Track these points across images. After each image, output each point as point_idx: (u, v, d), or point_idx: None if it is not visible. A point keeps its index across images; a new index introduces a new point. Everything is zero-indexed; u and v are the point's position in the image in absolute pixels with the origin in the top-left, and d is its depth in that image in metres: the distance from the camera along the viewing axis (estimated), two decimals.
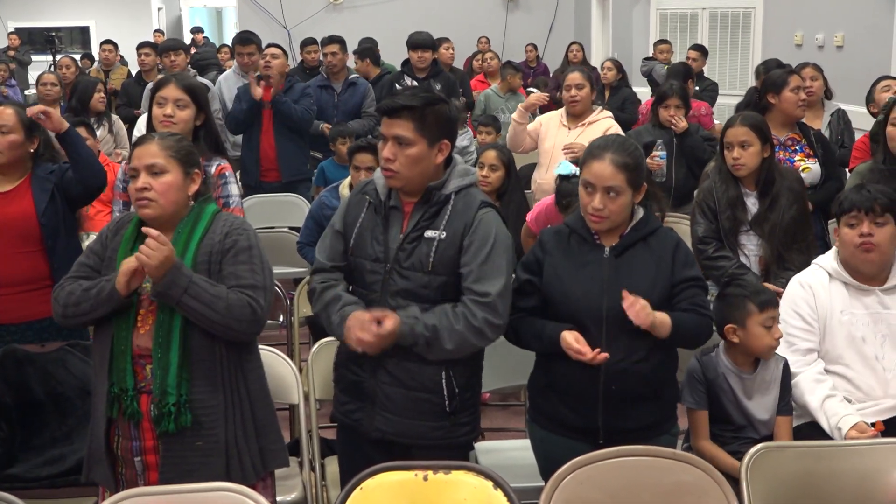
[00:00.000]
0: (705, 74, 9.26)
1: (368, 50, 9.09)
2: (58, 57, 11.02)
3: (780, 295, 3.83)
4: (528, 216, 4.80)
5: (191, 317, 2.73)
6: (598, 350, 2.88)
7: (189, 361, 2.75)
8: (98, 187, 3.96)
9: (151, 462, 2.81)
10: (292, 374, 3.46)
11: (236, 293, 2.77)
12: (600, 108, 5.79)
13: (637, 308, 2.83)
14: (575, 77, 5.66)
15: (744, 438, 3.24)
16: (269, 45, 6.78)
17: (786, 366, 3.30)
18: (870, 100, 5.56)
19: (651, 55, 10.51)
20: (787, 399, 3.28)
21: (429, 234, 2.92)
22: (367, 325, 2.84)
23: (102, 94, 7.00)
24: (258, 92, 6.26)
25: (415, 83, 7.36)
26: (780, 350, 3.38)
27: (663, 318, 2.89)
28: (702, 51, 9.54)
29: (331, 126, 6.93)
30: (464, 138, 6.99)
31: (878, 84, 5.57)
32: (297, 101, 6.45)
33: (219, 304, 2.74)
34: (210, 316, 2.73)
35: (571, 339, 2.91)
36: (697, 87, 8.17)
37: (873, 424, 3.20)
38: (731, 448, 3.21)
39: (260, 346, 3.06)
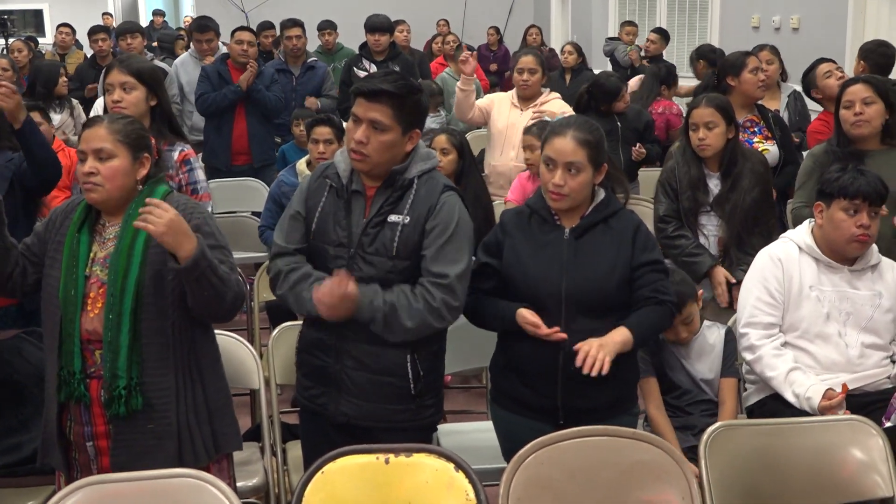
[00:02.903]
0: (664, 57, 9.30)
1: None
2: (10, 40, 10.85)
3: (733, 284, 3.92)
4: (511, 196, 4.94)
5: (203, 293, 2.68)
6: (556, 328, 2.89)
7: (140, 344, 2.73)
8: (54, 178, 3.91)
9: (103, 447, 2.80)
10: (252, 360, 3.45)
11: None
12: (549, 89, 5.80)
13: (589, 362, 2.82)
14: (528, 61, 5.65)
15: (698, 402, 3.30)
16: (241, 29, 6.76)
17: (728, 331, 3.41)
18: (812, 84, 5.57)
19: (615, 36, 10.55)
20: (731, 362, 3.41)
21: (392, 218, 2.90)
22: (333, 290, 2.82)
23: (66, 78, 6.93)
24: (246, 81, 6.34)
25: (373, 66, 7.34)
26: (740, 322, 3.45)
27: (624, 340, 2.89)
28: (662, 34, 9.57)
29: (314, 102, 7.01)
30: (435, 121, 7.01)
31: (817, 69, 5.54)
32: (268, 87, 6.52)
33: (229, 282, 2.72)
34: (222, 293, 2.70)
35: (528, 314, 2.93)
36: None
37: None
38: (690, 420, 3.26)
39: (220, 332, 3.04)
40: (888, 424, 3.13)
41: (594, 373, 2.81)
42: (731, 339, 3.44)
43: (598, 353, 2.83)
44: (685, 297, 3.36)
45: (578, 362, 2.83)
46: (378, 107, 2.85)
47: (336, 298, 2.80)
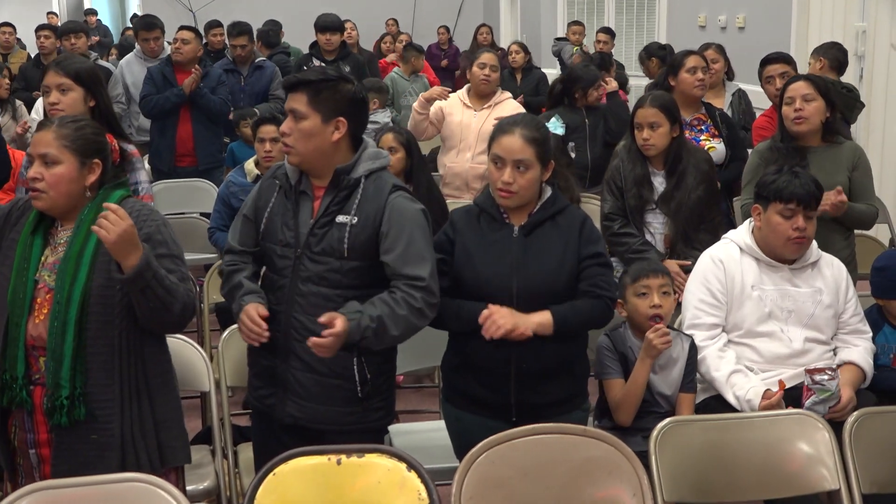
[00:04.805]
0: (613, 56, 9.36)
1: (263, 33, 9.05)
2: None
3: (684, 268, 3.94)
4: None
5: (149, 304, 2.65)
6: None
7: (84, 353, 2.68)
8: (1, 179, 3.86)
9: (45, 455, 2.76)
10: (203, 362, 3.42)
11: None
12: (500, 89, 5.79)
13: (490, 327, 2.89)
14: (491, 58, 5.68)
15: (651, 413, 3.30)
16: (182, 28, 6.69)
17: (692, 345, 3.37)
18: (768, 80, 5.62)
19: (563, 36, 10.61)
20: (691, 377, 3.36)
21: (340, 219, 2.90)
22: (255, 320, 2.87)
23: (7, 80, 6.81)
24: (189, 86, 6.25)
25: (323, 65, 7.31)
26: (684, 324, 3.46)
27: (540, 321, 2.93)
28: (610, 33, 9.67)
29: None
30: (379, 117, 7.00)
31: (764, 69, 5.58)
32: (214, 89, 6.45)
33: (177, 293, 2.69)
34: (168, 304, 2.68)
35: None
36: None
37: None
38: (639, 424, 3.27)
39: (169, 335, 3.00)
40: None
41: (486, 335, 2.88)
42: (693, 354, 3.37)
43: (503, 321, 2.87)
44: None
45: (482, 320, 2.89)
46: (295, 96, 2.91)
47: (327, 343, 2.79)
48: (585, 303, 3.01)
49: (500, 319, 2.89)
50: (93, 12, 16.80)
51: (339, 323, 2.77)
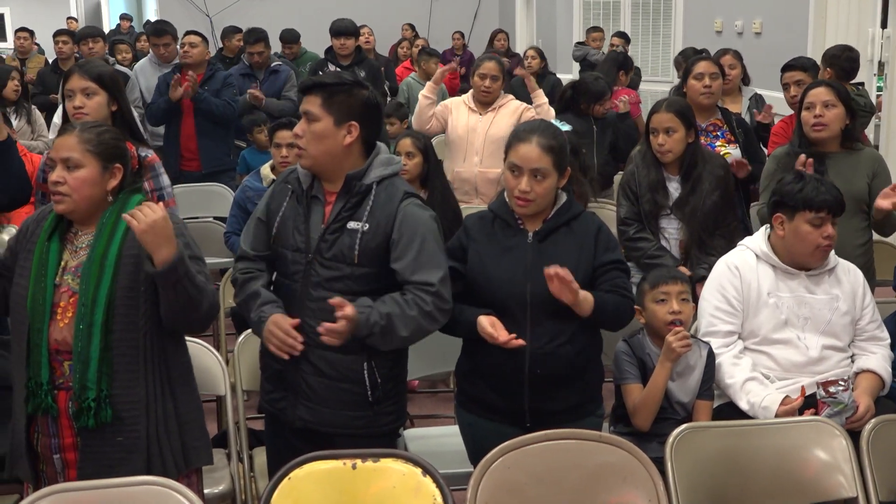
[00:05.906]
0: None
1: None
2: None
3: (695, 278, 3.92)
4: None
5: (179, 300, 2.67)
6: (513, 335, 2.90)
7: (110, 355, 2.69)
8: (23, 200, 3.85)
9: (70, 460, 2.76)
10: (218, 366, 3.43)
11: None
12: (503, 93, 5.75)
13: (556, 286, 2.86)
14: (491, 67, 5.62)
15: (668, 419, 3.29)
16: (188, 33, 6.70)
17: (710, 352, 3.35)
18: (785, 86, 5.61)
19: (582, 41, 10.60)
20: (709, 384, 3.34)
21: (351, 225, 2.90)
22: (289, 332, 2.88)
23: (17, 83, 6.83)
24: (177, 94, 6.23)
25: (339, 70, 7.32)
26: (700, 331, 3.45)
27: (586, 295, 2.92)
28: (625, 38, 9.66)
29: (258, 92, 6.95)
30: None
31: (786, 74, 5.55)
32: (218, 92, 6.43)
33: (206, 290, 2.72)
34: (198, 301, 2.70)
35: (486, 324, 2.93)
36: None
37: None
38: (656, 430, 3.26)
39: (186, 339, 3.01)
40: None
41: (557, 296, 2.85)
42: (711, 361, 3.35)
43: (569, 277, 2.85)
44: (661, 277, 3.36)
45: (549, 273, 2.84)
46: (310, 98, 2.93)
47: (341, 328, 2.79)
48: (616, 298, 3.02)
49: (568, 278, 2.84)
50: (127, 17, 16.90)
51: (349, 308, 2.78)
